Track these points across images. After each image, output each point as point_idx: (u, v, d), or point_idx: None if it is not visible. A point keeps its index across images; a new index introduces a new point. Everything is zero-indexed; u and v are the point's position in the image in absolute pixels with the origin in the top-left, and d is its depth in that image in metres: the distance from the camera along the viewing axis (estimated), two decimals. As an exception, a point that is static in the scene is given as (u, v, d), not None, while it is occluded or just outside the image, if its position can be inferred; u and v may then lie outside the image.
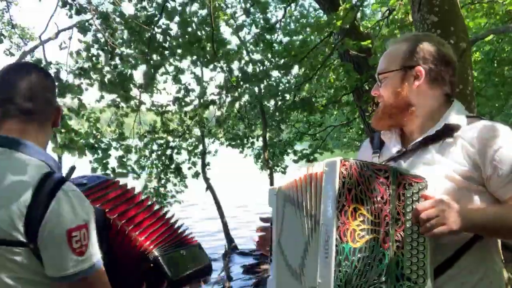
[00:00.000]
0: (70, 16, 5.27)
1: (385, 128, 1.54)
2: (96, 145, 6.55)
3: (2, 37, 5.18)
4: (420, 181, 1.29)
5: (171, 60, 6.85)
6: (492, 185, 1.32)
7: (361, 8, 5.78)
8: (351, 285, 1.22)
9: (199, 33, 5.96)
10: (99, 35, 5.49)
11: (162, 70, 7.19)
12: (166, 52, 5.93)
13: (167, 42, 5.78)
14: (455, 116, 1.41)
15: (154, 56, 6.01)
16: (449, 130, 1.38)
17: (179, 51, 6.26)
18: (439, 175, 1.33)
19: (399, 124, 1.50)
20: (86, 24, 5.46)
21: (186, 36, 5.80)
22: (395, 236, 1.27)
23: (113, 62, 5.79)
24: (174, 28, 6.00)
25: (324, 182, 1.29)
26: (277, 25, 7.29)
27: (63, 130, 5.60)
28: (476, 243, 1.33)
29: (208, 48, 5.95)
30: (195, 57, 6.56)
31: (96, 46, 5.65)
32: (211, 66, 6.31)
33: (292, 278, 1.38)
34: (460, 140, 1.36)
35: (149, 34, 5.35)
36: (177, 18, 5.69)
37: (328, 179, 1.29)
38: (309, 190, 1.35)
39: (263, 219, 1.59)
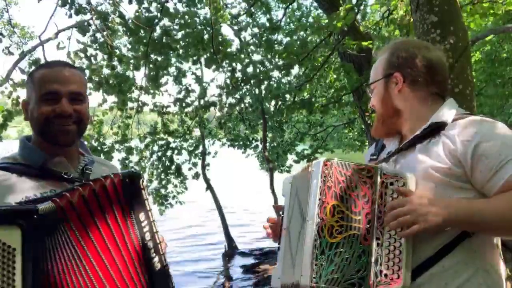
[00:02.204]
0: (70, 16, 5.27)
1: (383, 136, 1.61)
2: (99, 148, 6.55)
3: (1, 36, 5.16)
4: (401, 179, 1.33)
5: (173, 61, 6.86)
6: (476, 182, 1.32)
7: (361, 9, 5.77)
8: (327, 278, 1.26)
9: (202, 33, 5.96)
10: (98, 35, 5.49)
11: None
12: (170, 52, 5.93)
13: (170, 43, 5.78)
14: (443, 114, 1.44)
15: (158, 57, 6.01)
16: (435, 129, 1.41)
17: (181, 51, 6.26)
18: (419, 173, 1.35)
19: (393, 129, 1.56)
20: (85, 24, 5.45)
21: (189, 39, 5.80)
22: (376, 233, 1.31)
23: (111, 63, 5.79)
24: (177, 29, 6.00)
25: (310, 181, 1.35)
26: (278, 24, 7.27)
27: None
28: (463, 243, 1.32)
29: (211, 49, 5.94)
30: (196, 57, 6.56)
31: (94, 46, 5.64)
32: (214, 67, 6.31)
33: (291, 267, 1.41)
34: (443, 138, 1.38)
35: (150, 35, 5.34)
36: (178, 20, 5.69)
37: (313, 178, 1.35)
38: (302, 188, 1.42)
39: (276, 207, 1.65)
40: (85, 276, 1.23)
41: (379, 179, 1.34)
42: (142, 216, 1.35)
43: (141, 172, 1.42)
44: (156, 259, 1.36)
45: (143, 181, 1.40)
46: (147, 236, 1.35)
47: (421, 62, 1.48)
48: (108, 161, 1.81)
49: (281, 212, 1.58)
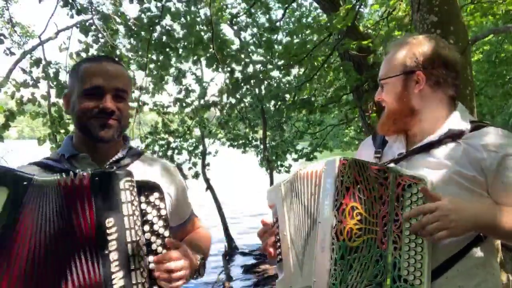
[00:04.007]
0: (72, 16, 5.27)
1: (390, 134, 1.53)
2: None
3: (2, 37, 5.15)
4: (419, 182, 1.27)
5: (173, 61, 6.86)
6: (494, 192, 1.31)
7: (360, 9, 5.77)
8: (346, 284, 1.22)
9: (202, 33, 5.97)
10: (99, 35, 5.49)
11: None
12: (172, 53, 5.93)
13: (173, 43, 5.78)
14: (459, 121, 1.40)
15: (159, 57, 6.01)
16: (452, 136, 1.37)
17: (181, 51, 6.26)
18: (442, 178, 1.32)
19: (403, 129, 1.48)
20: (87, 24, 5.46)
21: (189, 38, 5.80)
22: (393, 237, 1.26)
23: None
24: (178, 29, 6.01)
25: (323, 181, 1.30)
26: (277, 25, 7.28)
27: (62, 131, 5.58)
28: (476, 247, 1.31)
29: (211, 49, 5.95)
30: (196, 57, 6.57)
31: (95, 46, 5.64)
32: (214, 66, 6.31)
33: (299, 272, 1.36)
34: (464, 145, 1.34)
35: (150, 35, 5.35)
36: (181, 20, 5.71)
37: (327, 177, 1.29)
38: (309, 188, 1.36)
39: (265, 223, 1.54)
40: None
41: (395, 181, 1.28)
42: (110, 221, 1.20)
43: (125, 172, 1.25)
44: (119, 274, 1.19)
45: (127, 181, 1.25)
46: (112, 245, 1.19)
47: (444, 62, 1.42)
48: (163, 160, 1.66)
49: (274, 220, 1.48)
